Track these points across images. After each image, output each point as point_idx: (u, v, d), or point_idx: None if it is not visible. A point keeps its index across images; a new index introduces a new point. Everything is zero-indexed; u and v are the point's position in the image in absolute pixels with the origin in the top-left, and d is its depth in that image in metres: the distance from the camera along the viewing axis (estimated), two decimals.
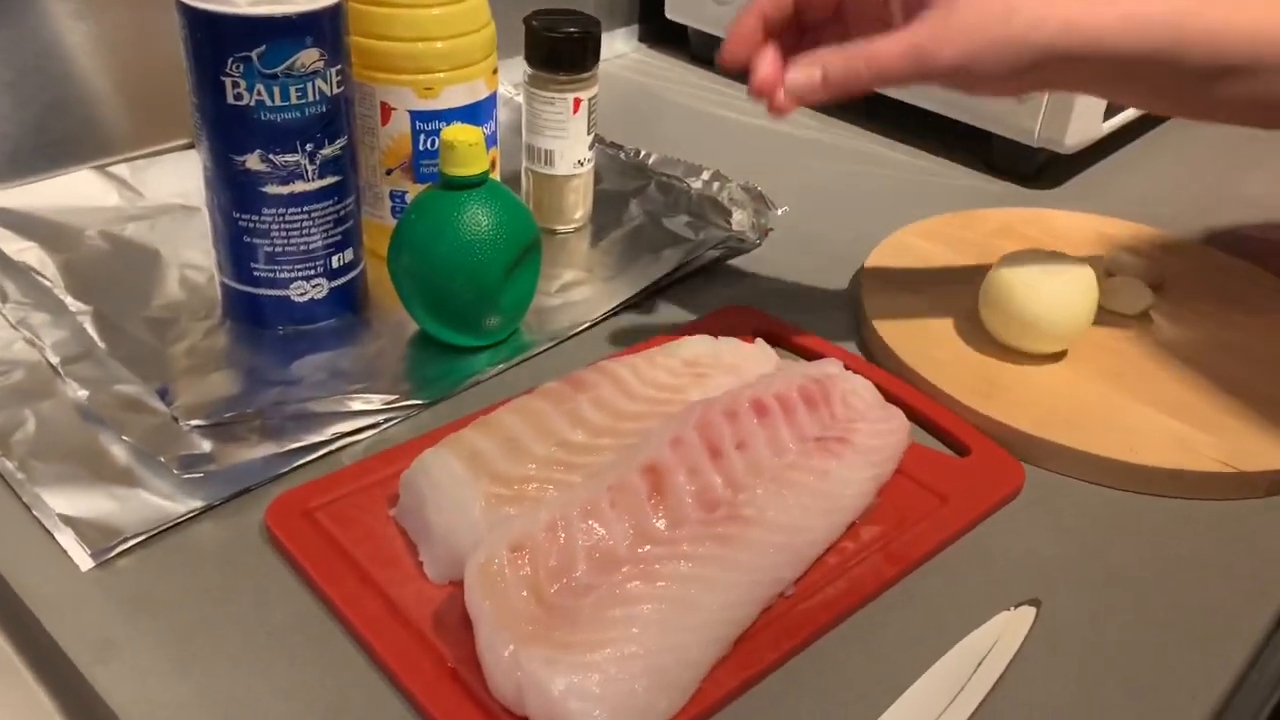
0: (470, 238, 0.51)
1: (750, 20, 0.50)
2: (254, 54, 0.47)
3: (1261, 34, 0.46)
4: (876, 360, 0.56)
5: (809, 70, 0.48)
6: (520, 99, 0.65)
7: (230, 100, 0.48)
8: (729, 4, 0.88)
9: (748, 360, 0.49)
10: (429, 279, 0.52)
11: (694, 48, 0.94)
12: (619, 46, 0.95)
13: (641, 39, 0.97)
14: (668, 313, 0.59)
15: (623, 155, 0.74)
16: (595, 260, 0.64)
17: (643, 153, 0.75)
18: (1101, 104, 0.73)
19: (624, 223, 0.68)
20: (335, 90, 0.50)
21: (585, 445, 0.43)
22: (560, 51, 0.60)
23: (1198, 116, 0.52)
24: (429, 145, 0.57)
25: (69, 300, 0.54)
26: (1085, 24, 0.47)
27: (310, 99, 0.49)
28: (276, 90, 0.48)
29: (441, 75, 0.55)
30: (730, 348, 0.50)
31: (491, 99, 0.58)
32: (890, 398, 0.51)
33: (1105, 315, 0.58)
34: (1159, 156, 0.82)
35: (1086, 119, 0.72)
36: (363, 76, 0.55)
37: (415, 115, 0.56)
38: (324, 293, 0.54)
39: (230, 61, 0.47)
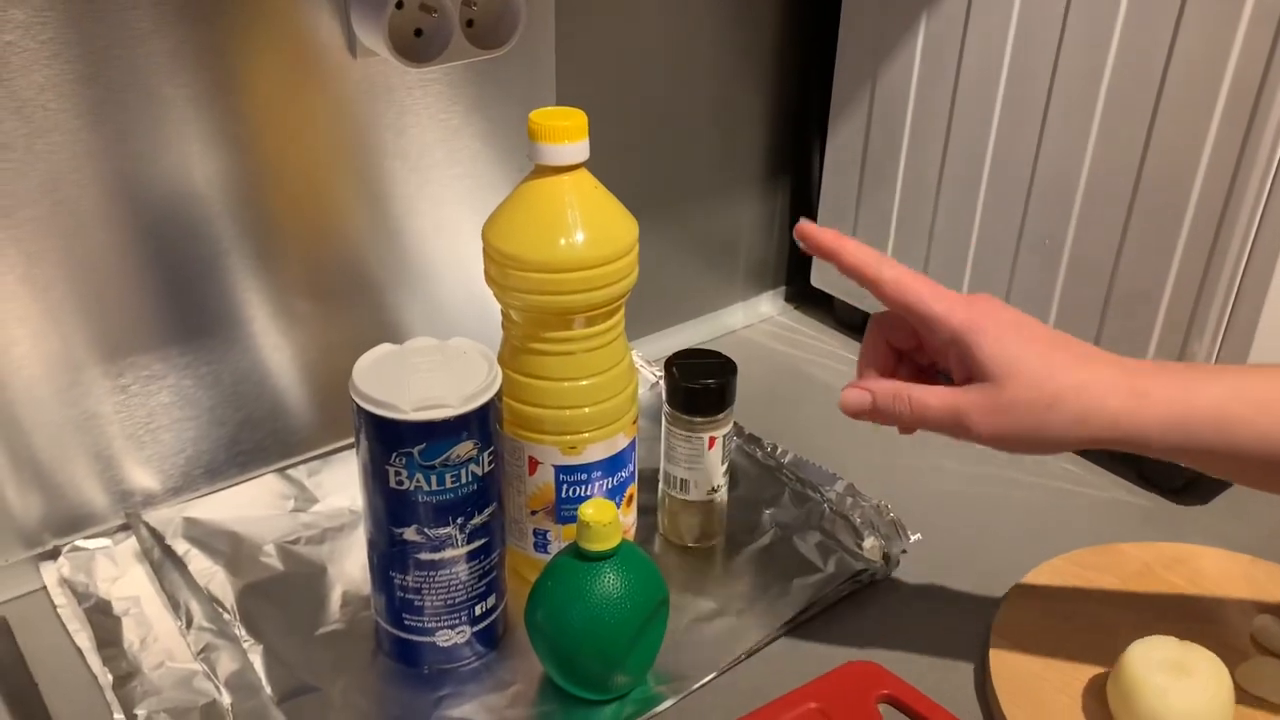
0: (599, 610, 0.54)
1: (830, 243, 0.54)
2: (415, 450, 0.52)
3: None
4: None
5: (860, 393, 0.53)
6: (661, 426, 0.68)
7: (392, 485, 0.53)
8: None
9: None
10: (560, 642, 0.55)
11: (839, 313, 0.97)
12: (765, 309, 0.99)
13: (789, 300, 1.01)
14: (790, 660, 0.60)
15: (760, 454, 0.77)
16: (725, 586, 0.66)
17: (779, 449, 0.77)
18: None
19: (756, 536, 0.70)
20: (487, 469, 0.55)
21: None
22: (697, 400, 0.64)
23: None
24: (570, 494, 0.61)
25: (242, 633, 0.60)
26: (1128, 424, 0.49)
27: (463, 482, 0.54)
28: (434, 478, 0.53)
29: (585, 435, 0.59)
30: None
31: (630, 447, 0.62)
32: None
33: (1248, 699, 0.55)
34: None
35: None
36: (513, 433, 0.60)
37: (559, 469, 0.60)
38: (466, 637, 0.58)
39: (394, 455, 0.52)
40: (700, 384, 0.64)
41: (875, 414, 0.53)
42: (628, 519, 0.65)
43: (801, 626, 0.63)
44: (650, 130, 0.85)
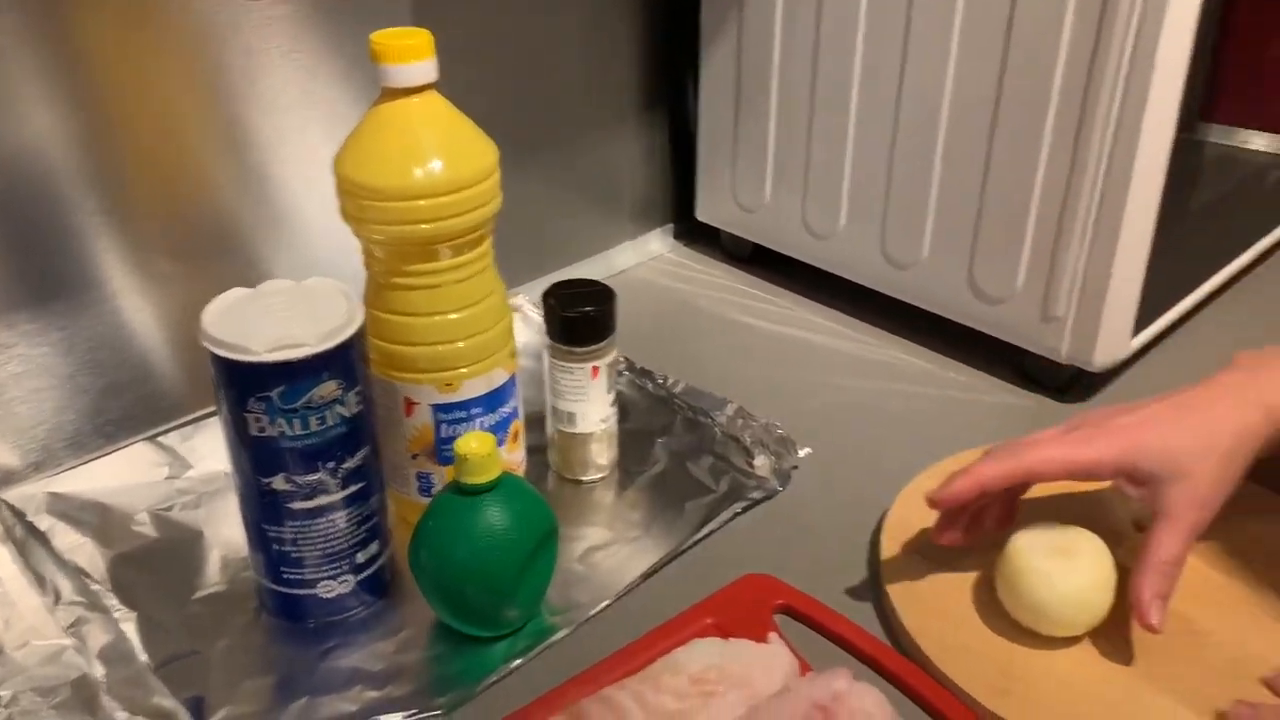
0: (484, 543, 0.53)
1: (971, 489, 0.54)
2: (273, 393, 0.50)
3: None
4: (896, 639, 0.55)
5: (1160, 606, 0.52)
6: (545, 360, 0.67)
7: (254, 432, 0.51)
8: (755, 211, 0.90)
9: (758, 669, 0.49)
10: (446, 580, 0.54)
11: (726, 246, 0.96)
12: (654, 247, 0.98)
13: (677, 237, 1.00)
14: (687, 581, 0.60)
15: (650, 386, 0.76)
16: (619, 515, 0.65)
17: (670, 380, 0.76)
18: (1129, 320, 0.72)
19: (649, 466, 0.69)
20: (355, 410, 0.53)
21: None
22: (576, 328, 0.62)
23: None
24: (450, 433, 0.59)
25: (114, 603, 0.57)
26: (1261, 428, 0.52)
27: (330, 424, 0.52)
28: (296, 422, 0.51)
29: (462, 371, 0.58)
30: (739, 655, 0.50)
31: (510, 382, 0.61)
32: (908, 692, 0.51)
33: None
34: (1199, 350, 0.81)
35: (1115, 337, 0.72)
36: (386, 375, 0.58)
37: (437, 408, 0.58)
38: (350, 587, 0.56)
39: (252, 400, 0.50)
40: (578, 312, 0.62)
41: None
42: (515, 456, 0.64)
43: (697, 547, 0.62)
44: (520, 66, 0.83)
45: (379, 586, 0.58)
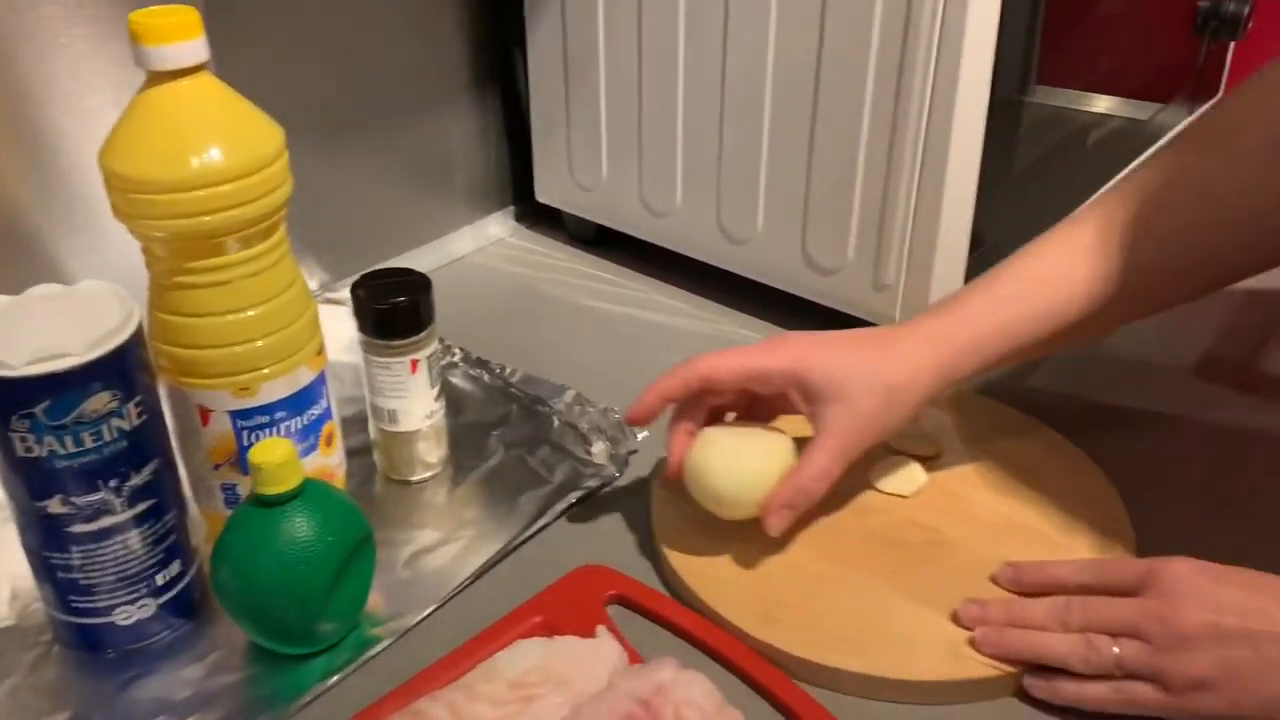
0: (289, 556, 0.49)
1: (653, 400, 0.56)
2: (37, 410, 0.45)
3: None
4: (674, 592, 0.55)
5: (784, 515, 0.54)
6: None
7: (21, 454, 0.47)
8: (593, 190, 0.88)
9: (583, 666, 0.47)
10: (250, 598, 0.50)
11: (569, 228, 0.94)
12: (495, 231, 0.95)
13: (519, 219, 0.97)
14: (521, 578, 0.57)
15: (487, 376, 0.73)
16: (449, 514, 0.62)
17: (508, 369, 0.74)
18: (958, 284, 0.73)
19: (484, 458, 0.66)
20: (136, 422, 0.49)
21: None
22: (389, 321, 0.59)
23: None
24: (253, 440, 0.55)
25: None
26: (932, 380, 0.54)
27: (107, 439, 0.48)
28: (68, 439, 0.47)
29: (263, 372, 0.54)
30: (562, 653, 0.48)
31: (319, 381, 0.57)
32: (741, 675, 0.50)
33: (882, 499, 0.59)
34: None
35: None
36: (177, 382, 0.53)
37: (235, 415, 0.54)
38: (151, 611, 0.52)
39: (14, 418, 0.46)
40: (390, 303, 0.59)
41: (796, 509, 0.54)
42: (332, 460, 0.60)
43: (532, 541, 0.60)
44: (341, 47, 0.79)
45: (185, 608, 0.54)
